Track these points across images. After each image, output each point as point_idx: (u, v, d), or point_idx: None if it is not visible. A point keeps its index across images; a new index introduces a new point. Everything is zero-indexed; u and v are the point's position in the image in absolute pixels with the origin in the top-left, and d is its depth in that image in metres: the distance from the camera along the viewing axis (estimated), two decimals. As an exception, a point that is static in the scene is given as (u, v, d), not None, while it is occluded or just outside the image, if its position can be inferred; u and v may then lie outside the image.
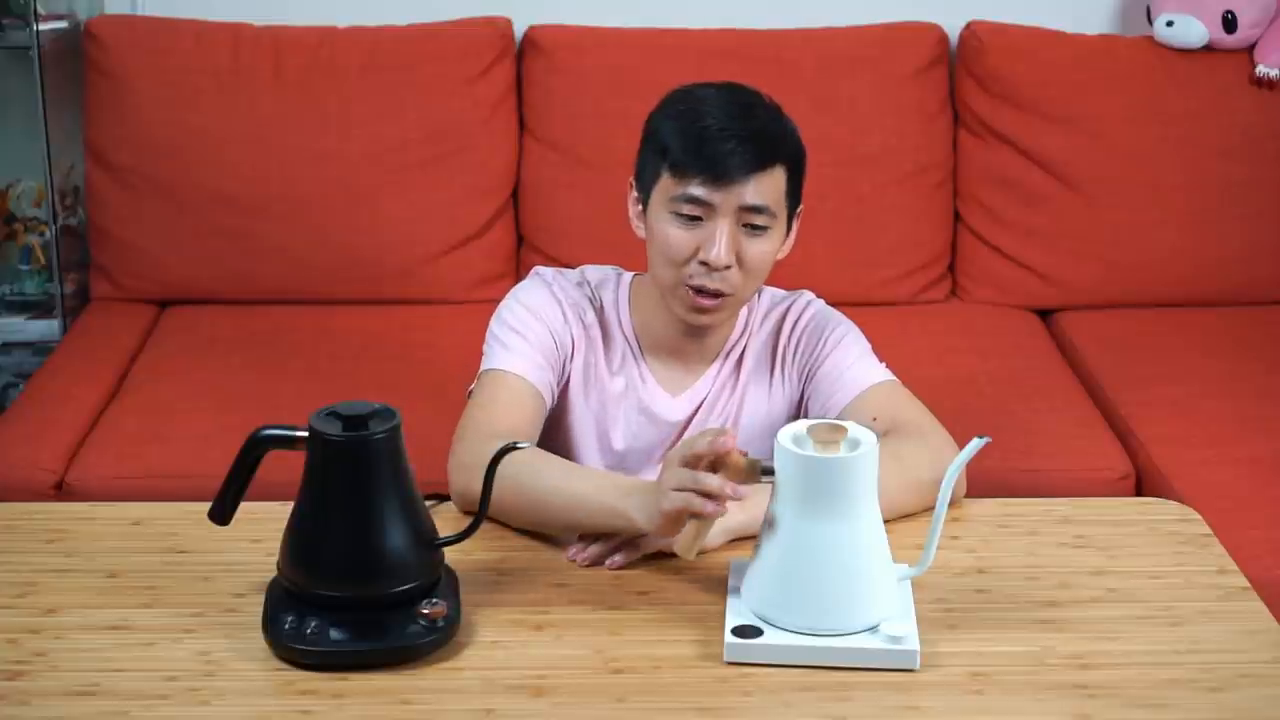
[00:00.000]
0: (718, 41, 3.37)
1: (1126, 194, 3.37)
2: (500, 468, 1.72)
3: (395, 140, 3.31)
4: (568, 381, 2.12)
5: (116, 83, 3.29)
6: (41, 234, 3.45)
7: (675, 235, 1.99)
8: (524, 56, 3.39)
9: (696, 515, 1.72)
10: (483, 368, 2.08)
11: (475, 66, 3.35)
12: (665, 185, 2.00)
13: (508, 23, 3.40)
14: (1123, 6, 3.55)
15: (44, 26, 3.26)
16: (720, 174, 1.95)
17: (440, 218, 3.34)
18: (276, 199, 3.29)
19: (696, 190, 1.96)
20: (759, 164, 1.97)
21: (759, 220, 1.98)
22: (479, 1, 3.41)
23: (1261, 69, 3.36)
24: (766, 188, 1.98)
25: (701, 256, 1.98)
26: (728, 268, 1.98)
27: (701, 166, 1.96)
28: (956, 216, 3.45)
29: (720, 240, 1.96)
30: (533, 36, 3.38)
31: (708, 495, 1.70)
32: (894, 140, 3.37)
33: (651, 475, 2.10)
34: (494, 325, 2.11)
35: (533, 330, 2.08)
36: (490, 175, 3.37)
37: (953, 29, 3.43)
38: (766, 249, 2.01)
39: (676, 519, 1.74)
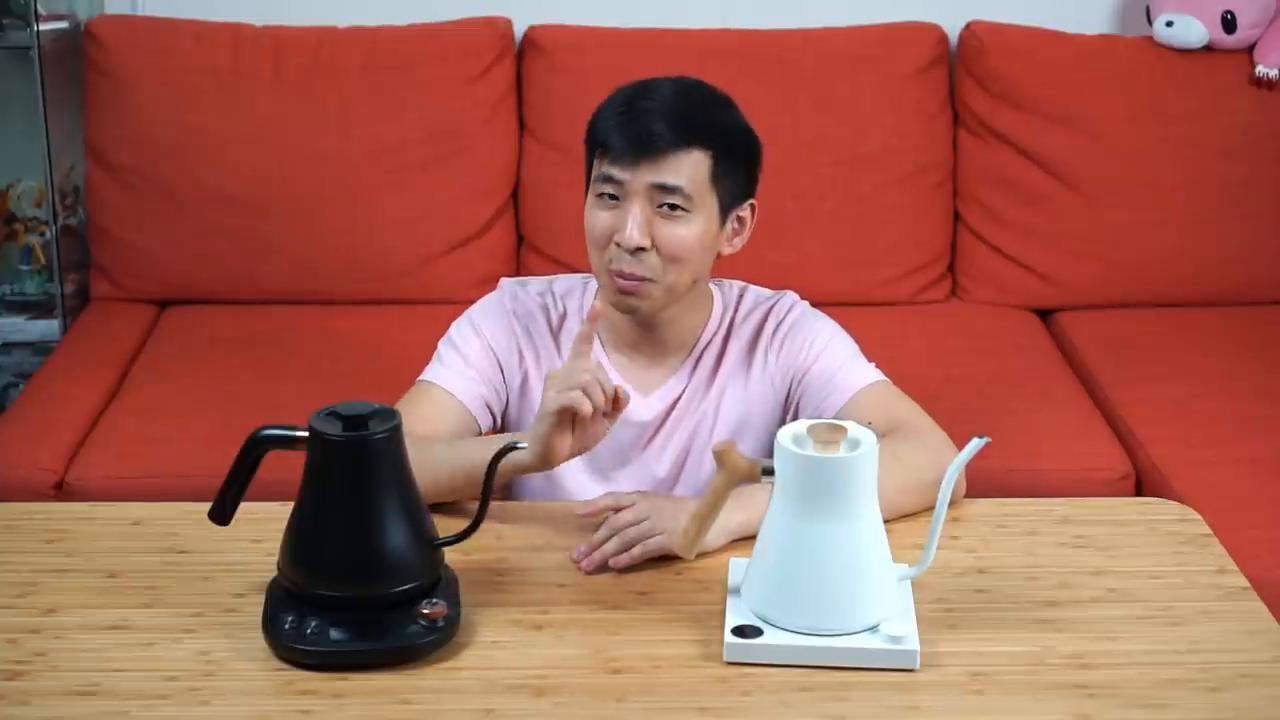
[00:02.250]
0: (718, 41, 3.37)
1: (1126, 194, 3.37)
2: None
3: (395, 140, 3.31)
4: (527, 393, 2.11)
5: (116, 83, 3.30)
6: (42, 234, 3.45)
7: (596, 218, 1.99)
8: (524, 56, 3.40)
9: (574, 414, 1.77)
10: (418, 378, 2.10)
11: (475, 66, 3.35)
12: (594, 169, 2.00)
13: (508, 23, 3.40)
14: (1123, 6, 3.55)
15: (44, 26, 3.26)
16: (629, 150, 1.95)
17: (440, 218, 3.34)
18: (276, 199, 3.29)
19: (610, 169, 1.96)
20: (672, 143, 1.95)
21: (673, 200, 1.96)
22: (479, 1, 3.41)
23: (1261, 69, 3.36)
24: (682, 169, 1.96)
25: (615, 238, 1.97)
26: (641, 249, 1.96)
27: (614, 144, 1.96)
28: (956, 216, 3.45)
29: (631, 223, 1.95)
30: (533, 36, 3.39)
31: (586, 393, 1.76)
32: (894, 140, 3.37)
33: (627, 478, 2.10)
34: (441, 340, 2.13)
35: (472, 347, 2.09)
36: (490, 175, 3.37)
37: (953, 29, 3.44)
38: (684, 234, 1.97)
39: (556, 435, 1.78)
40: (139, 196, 3.31)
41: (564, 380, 1.78)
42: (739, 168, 2.02)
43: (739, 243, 2.07)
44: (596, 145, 2.00)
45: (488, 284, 3.25)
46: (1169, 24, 3.37)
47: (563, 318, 2.13)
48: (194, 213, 3.30)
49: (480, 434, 2.09)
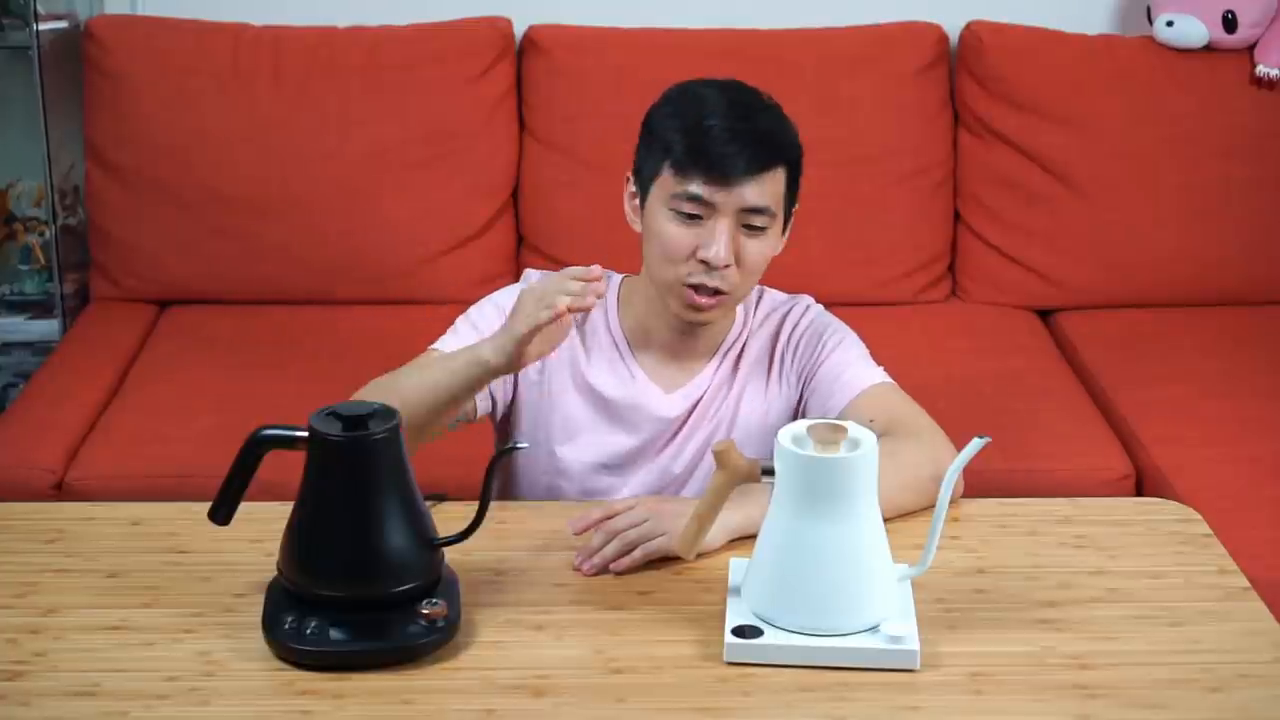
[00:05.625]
0: (718, 41, 3.37)
1: (1126, 194, 3.37)
2: (371, 390, 1.83)
3: (395, 140, 3.31)
4: (546, 384, 2.11)
5: (116, 83, 3.30)
6: (41, 234, 3.45)
7: (675, 233, 1.99)
8: (524, 56, 3.40)
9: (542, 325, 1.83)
10: (429, 346, 2.10)
11: (475, 66, 3.35)
12: (666, 182, 2.00)
13: (508, 23, 3.40)
14: (1123, 6, 3.55)
15: (44, 26, 3.26)
16: (724, 174, 1.96)
17: (440, 218, 3.34)
18: (276, 199, 3.29)
19: (698, 189, 1.97)
20: (761, 165, 1.97)
21: (759, 221, 1.99)
22: (479, 1, 3.41)
23: (1261, 69, 3.36)
24: (768, 188, 1.98)
25: (701, 255, 1.98)
26: (727, 267, 1.98)
27: (705, 166, 1.96)
28: (956, 216, 3.45)
29: (720, 240, 1.97)
30: (533, 36, 3.39)
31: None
32: (894, 140, 3.37)
33: (645, 474, 2.10)
34: (460, 317, 2.13)
35: (490, 326, 2.08)
36: (490, 175, 3.37)
37: (953, 29, 3.44)
38: (764, 249, 2.01)
39: (525, 342, 1.85)
40: (139, 196, 3.31)
41: (541, 299, 1.83)
42: (799, 175, 2.05)
43: (782, 243, 2.09)
44: (674, 163, 1.98)
45: (488, 284, 3.26)
46: (1169, 24, 3.37)
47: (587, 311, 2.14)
48: (194, 213, 3.29)
49: (475, 416, 2.10)
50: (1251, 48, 3.39)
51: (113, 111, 3.30)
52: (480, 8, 3.40)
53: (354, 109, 3.31)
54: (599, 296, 1.84)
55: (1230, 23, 3.36)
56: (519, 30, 3.41)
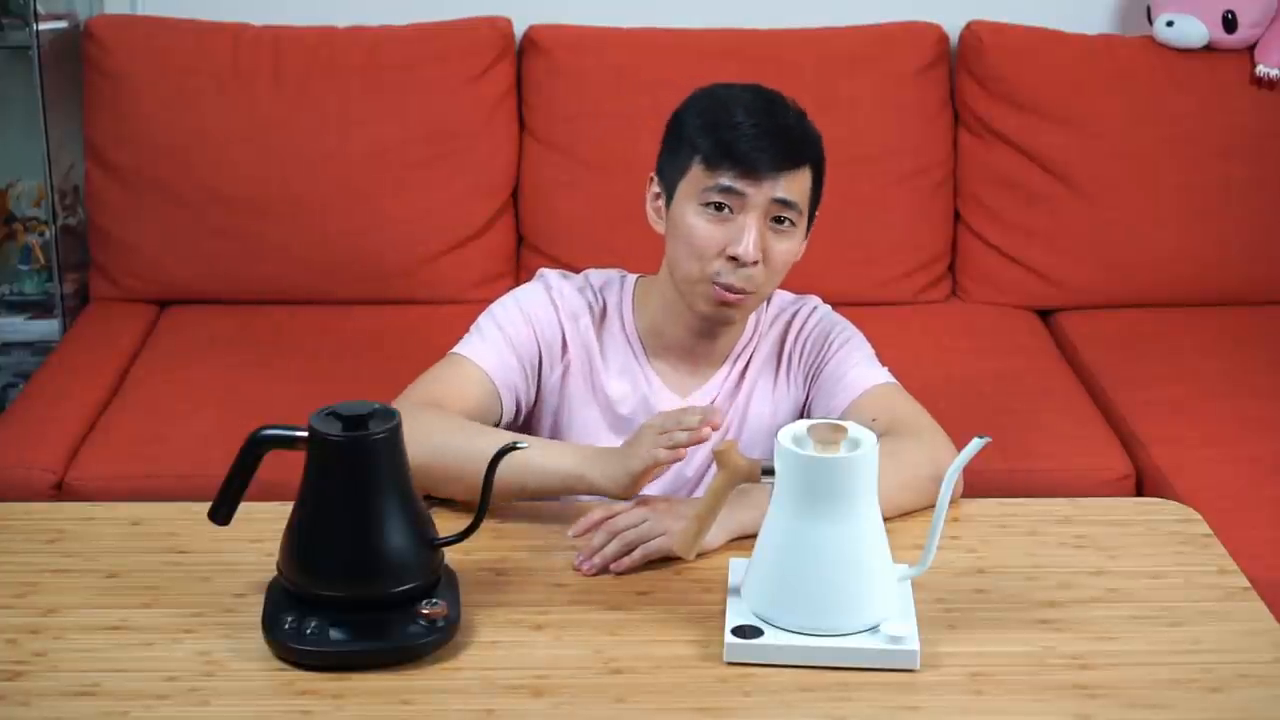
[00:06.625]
0: (718, 41, 3.37)
1: (1126, 194, 3.37)
2: (429, 435, 1.73)
3: (395, 140, 3.31)
4: (566, 388, 2.11)
5: (116, 83, 3.30)
6: (41, 234, 3.45)
7: (703, 229, 1.99)
8: (524, 56, 3.40)
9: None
10: (451, 351, 2.09)
11: (475, 66, 3.35)
12: (696, 177, 1.99)
13: (508, 23, 3.40)
14: (1123, 6, 3.55)
15: (44, 26, 3.26)
16: (755, 167, 1.96)
17: (440, 218, 3.34)
18: (276, 199, 3.29)
19: (730, 181, 1.97)
20: (791, 161, 1.98)
21: (788, 215, 1.99)
22: (479, 1, 3.41)
23: (1261, 69, 3.36)
24: (796, 185, 1.99)
25: (730, 251, 1.98)
26: (755, 263, 1.98)
27: (736, 160, 1.96)
28: (956, 216, 3.45)
29: (749, 236, 1.97)
30: (533, 36, 3.39)
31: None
32: (894, 140, 3.37)
33: (660, 479, 2.10)
34: (481, 316, 2.12)
35: (517, 329, 2.08)
36: (490, 175, 3.37)
37: (953, 29, 3.44)
38: (790, 247, 2.02)
39: (643, 478, 1.81)
40: (139, 196, 3.31)
41: (661, 436, 1.79)
42: (822, 181, 2.06)
43: (803, 248, 2.09)
44: (704, 158, 1.99)
45: (488, 284, 3.29)
46: (1169, 24, 3.37)
47: (603, 312, 2.13)
48: (194, 213, 3.29)
49: (500, 420, 2.07)
50: (1251, 48, 3.39)
51: (113, 111, 3.30)
52: (480, 8, 3.40)
53: (354, 109, 3.31)
54: (715, 428, 1.79)
55: (1230, 23, 3.36)
56: (519, 30, 3.41)
